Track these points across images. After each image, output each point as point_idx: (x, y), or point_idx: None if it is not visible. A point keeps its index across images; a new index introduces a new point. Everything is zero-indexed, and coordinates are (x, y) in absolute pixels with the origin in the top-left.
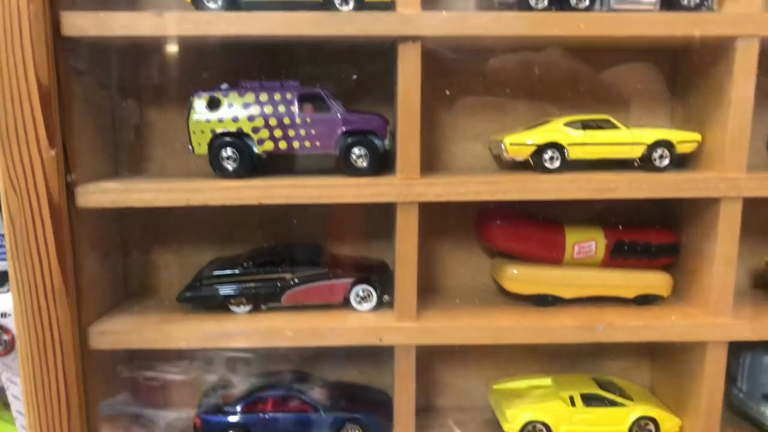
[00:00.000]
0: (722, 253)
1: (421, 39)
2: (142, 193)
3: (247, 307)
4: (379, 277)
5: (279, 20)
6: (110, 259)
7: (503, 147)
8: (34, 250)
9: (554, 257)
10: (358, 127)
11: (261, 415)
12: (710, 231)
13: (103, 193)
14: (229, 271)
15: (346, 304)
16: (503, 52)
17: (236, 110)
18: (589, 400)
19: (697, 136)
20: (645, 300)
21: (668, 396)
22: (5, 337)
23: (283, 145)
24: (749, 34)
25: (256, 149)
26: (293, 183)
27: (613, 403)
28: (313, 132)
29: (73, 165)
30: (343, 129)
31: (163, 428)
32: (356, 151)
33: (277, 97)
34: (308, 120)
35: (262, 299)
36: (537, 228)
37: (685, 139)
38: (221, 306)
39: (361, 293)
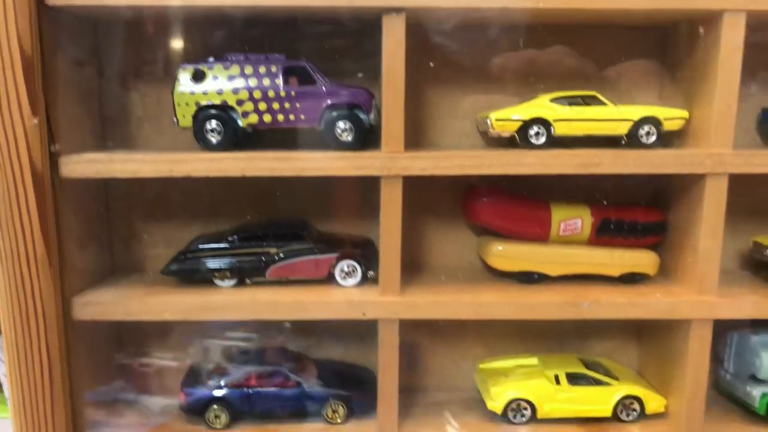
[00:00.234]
0: (708, 230)
1: (405, 10)
2: (126, 163)
3: (232, 281)
4: (364, 253)
5: None
6: (96, 232)
7: (489, 123)
8: (16, 218)
9: (540, 234)
10: (343, 100)
11: (245, 390)
12: (696, 208)
13: (87, 164)
14: (214, 245)
15: (331, 279)
16: (491, 28)
17: (221, 83)
18: (574, 379)
19: (684, 113)
20: (631, 278)
21: (654, 376)
22: None
23: (267, 118)
24: (736, 7)
25: (241, 122)
26: (277, 155)
27: (598, 383)
28: (297, 105)
29: (57, 135)
30: (328, 102)
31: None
32: (341, 124)
33: (262, 69)
34: (293, 93)
35: (247, 273)
36: (523, 205)
37: (672, 116)
38: (206, 279)
39: (345, 269)
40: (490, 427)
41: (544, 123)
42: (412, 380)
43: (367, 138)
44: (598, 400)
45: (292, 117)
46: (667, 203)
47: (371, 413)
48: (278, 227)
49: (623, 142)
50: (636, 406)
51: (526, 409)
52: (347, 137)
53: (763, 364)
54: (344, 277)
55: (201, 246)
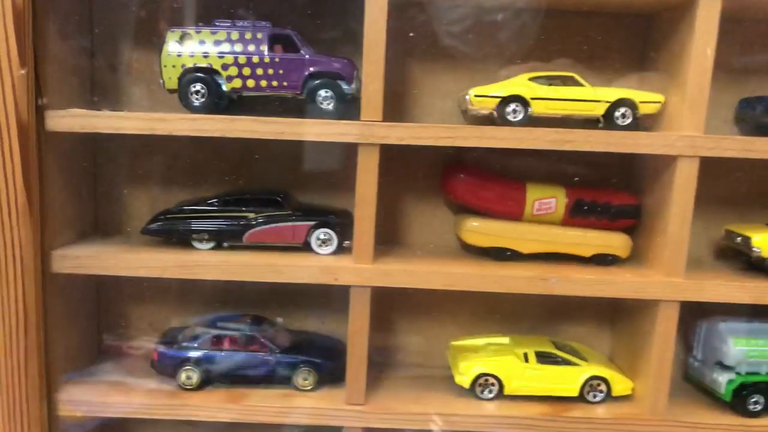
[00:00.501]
0: (677, 213)
1: None
2: (110, 119)
3: (210, 244)
4: (341, 222)
5: None
6: (80, 189)
7: (468, 99)
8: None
9: (514, 212)
10: (324, 69)
11: (218, 352)
12: (667, 191)
13: (72, 118)
14: (193, 207)
15: (308, 247)
16: (479, 10)
17: (207, 47)
18: (542, 357)
19: (660, 97)
20: (603, 259)
21: (625, 360)
22: None
23: (251, 83)
24: None
25: (225, 86)
26: (256, 119)
27: (566, 362)
28: (281, 72)
29: (45, 90)
30: (311, 70)
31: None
32: (322, 93)
33: (248, 36)
34: (277, 60)
35: (224, 236)
36: (499, 183)
37: (647, 100)
38: (185, 241)
39: (321, 236)
40: (457, 401)
41: (522, 101)
42: (386, 356)
43: (349, 108)
44: (566, 380)
45: (275, 83)
46: (642, 188)
47: (341, 383)
48: (258, 194)
49: (600, 124)
50: (603, 387)
51: (493, 384)
52: (328, 105)
53: (729, 351)
54: (320, 245)
55: (181, 208)
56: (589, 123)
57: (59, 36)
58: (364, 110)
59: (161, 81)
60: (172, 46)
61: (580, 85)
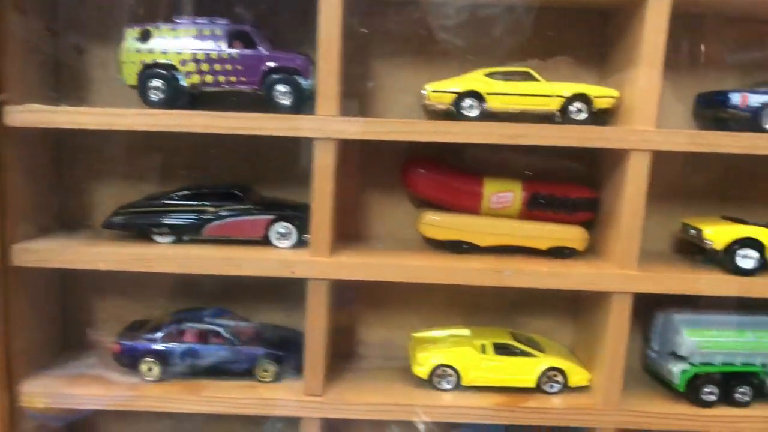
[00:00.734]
0: (630, 206)
1: None
2: (69, 115)
3: (170, 238)
4: (301, 216)
5: None
6: (43, 184)
7: (425, 94)
8: None
9: (472, 206)
10: (282, 64)
11: (179, 344)
12: (620, 184)
13: (30, 113)
14: (154, 201)
15: (267, 241)
16: (437, 6)
17: (166, 43)
18: (500, 349)
19: (614, 92)
20: (559, 252)
21: (584, 352)
22: None
23: (209, 78)
24: None
25: (184, 82)
26: (212, 114)
27: (523, 354)
28: (239, 68)
29: (4, 85)
30: (268, 66)
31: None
32: (279, 88)
33: (207, 32)
34: (235, 56)
35: (184, 230)
36: (457, 177)
37: (602, 94)
38: (145, 234)
39: (280, 230)
40: (416, 392)
41: (478, 96)
42: (348, 348)
43: (307, 104)
44: (522, 371)
45: (233, 79)
46: (599, 182)
47: (302, 375)
48: (219, 189)
49: (556, 120)
50: (559, 378)
51: (451, 375)
52: (285, 101)
53: (683, 341)
54: (279, 239)
55: (142, 202)
56: (549, 118)
57: (19, 33)
58: (319, 105)
59: (121, 78)
60: (131, 42)
61: (536, 79)
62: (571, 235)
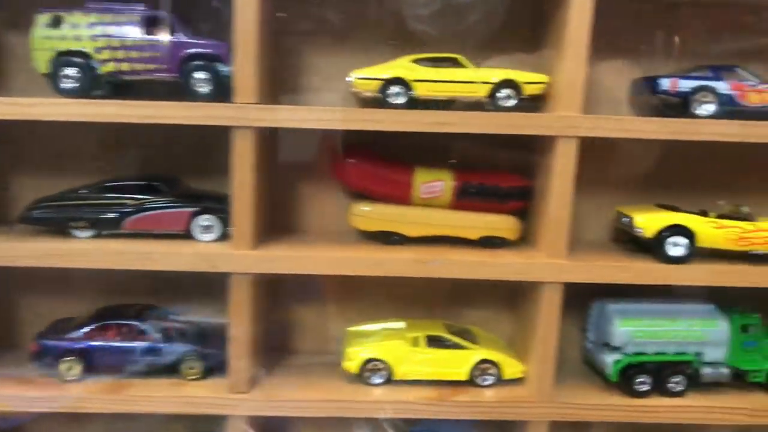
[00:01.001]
0: (557, 193)
1: None
2: None
3: (89, 232)
4: (225, 208)
5: None
6: None
7: (351, 81)
8: None
9: (402, 196)
10: (200, 50)
11: (99, 342)
12: (548, 172)
13: None
14: (72, 194)
15: (192, 235)
16: None
17: (79, 30)
18: (432, 341)
19: (544, 78)
20: (490, 242)
21: (520, 344)
22: None
23: (125, 66)
24: None
25: (99, 70)
26: (125, 102)
27: (456, 346)
28: (156, 55)
29: None
30: (186, 52)
31: None
32: (197, 75)
33: (122, 18)
34: (152, 43)
35: (102, 224)
36: (387, 167)
37: (531, 80)
38: (63, 229)
39: (204, 223)
40: (346, 387)
41: (404, 83)
42: (283, 342)
43: (226, 91)
44: (455, 364)
45: (150, 66)
46: (533, 170)
47: None
48: (140, 181)
49: (488, 107)
50: (493, 370)
51: (382, 370)
52: (204, 88)
53: (615, 331)
54: (202, 232)
55: (58, 195)
56: (482, 106)
57: None
58: (237, 92)
59: (34, 65)
60: (41, 29)
61: (463, 66)
62: (502, 224)
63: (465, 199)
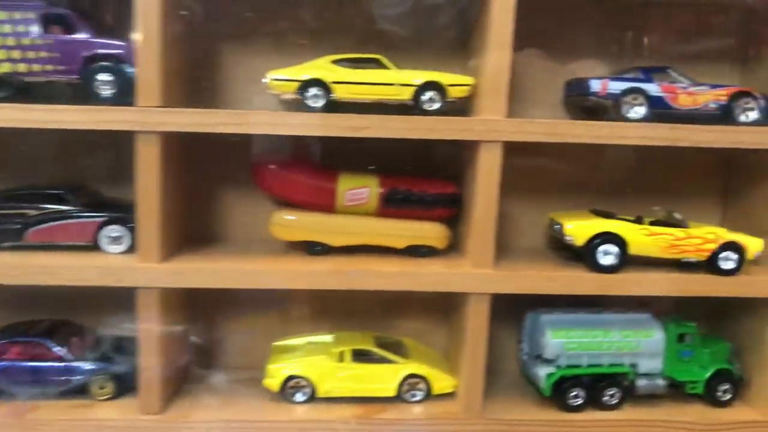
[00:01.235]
0: (482, 201)
1: None
2: None
3: None
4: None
5: None
6: None
7: (267, 83)
8: None
9: (325, 204)
10: (104, 51)
11: (3, 362)
12: (473, 178)
13: None
14: None
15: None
16: None
17: None
18: (359, 356)
19: (469, 80)
20: (417, 251)
21: (453, 357)
22: None
23: (22, 67)
24: None
25: None
26: (18, 106)
27: (383, 361)
28: (56, 55)
29: None
30: (89, 53)
31: None
32: (101, 77)
33: (18, 15)
34: (50, 42)
35: (3, 236)
36: (309, 174)
37: (456, 83)
38: None
39: (112, 234)
40: (267, 406)
41: (323, 85)
42: (206, 359)
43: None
44: (382, 379)
45: (49, 67)
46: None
47: None
48: (45, 190)
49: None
50: (422, 385)
51: (305, 387)
52: (108, 91)
53: (547, 343)
54: (110, 243)
55: None
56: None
57: None
58: (140, 96)
59: None
60: None
61: (386, 68)
62: (430, 233)
63: (391, 206)
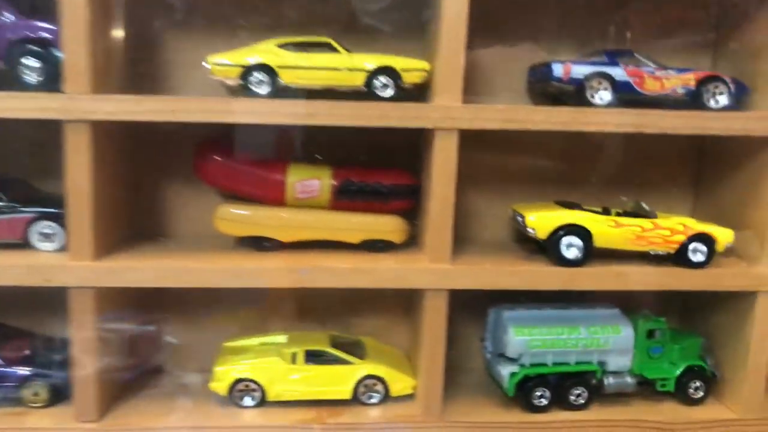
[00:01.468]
0: (438, 192)
1: None
2: None
3: None
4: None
5: None
6: None
7: (208, 68)
8: None
9: (274, 196)
10: (31, 35)
11: None
12: (429, 168)
13: None
14: None
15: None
16: None
17: None
18: (312, 357)
19: (424, 65)
20: (373, 246)
21: (413, 356)
22: None
23: None
24: None
25: None
26: None
27: (338, 361)
28: None
29: None
30: (14, 36)
31: None
32: (26, 61)
33: None
34: None
35: None
36: (257, 165)
37: (411, 67)
38: None
39: (44, 231)
40: (214, 411)
41: (269, 69)
42: (153, 362)
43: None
44: (337, 381)
45: None
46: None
47: None
48: None
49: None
50: (379, 387)
51: (255, 390)
52: (34, 77)
53: (510, 341)
54: (42, 241)
55: None
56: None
57: None
58: (67, 82)
59: None
60: None
61: (337, 51)
62: (386, 226)
63: (345, 198)
